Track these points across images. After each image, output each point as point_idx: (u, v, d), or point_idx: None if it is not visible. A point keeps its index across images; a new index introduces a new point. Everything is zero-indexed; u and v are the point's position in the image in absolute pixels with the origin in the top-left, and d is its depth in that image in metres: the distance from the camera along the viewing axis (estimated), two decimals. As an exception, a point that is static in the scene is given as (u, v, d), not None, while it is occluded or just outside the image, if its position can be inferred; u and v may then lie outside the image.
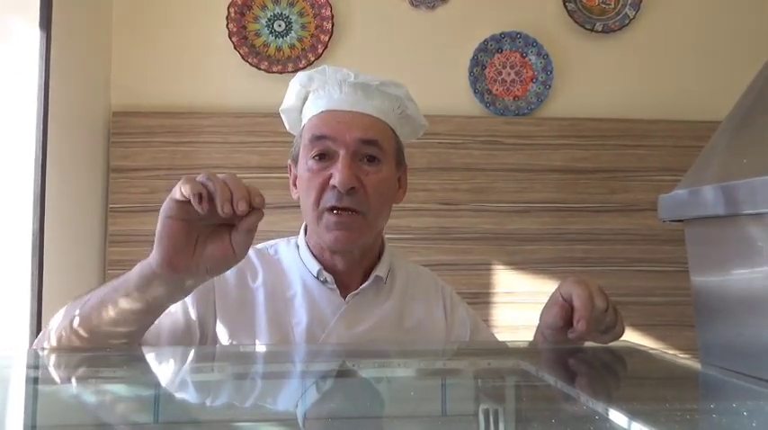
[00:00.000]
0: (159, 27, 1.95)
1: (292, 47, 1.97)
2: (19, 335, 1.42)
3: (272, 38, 1.97)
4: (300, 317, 0.88)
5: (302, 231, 0.96)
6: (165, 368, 0.74)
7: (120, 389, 0.63)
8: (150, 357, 0.77)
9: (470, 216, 1.93)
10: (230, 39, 1.92)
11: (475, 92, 1.97)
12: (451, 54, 1.99)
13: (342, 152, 0.85)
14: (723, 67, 2.04)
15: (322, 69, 0.90)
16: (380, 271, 0.93)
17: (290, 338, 0.87)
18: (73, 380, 0.68)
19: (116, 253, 1.83)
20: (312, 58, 1.93)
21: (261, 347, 0.86)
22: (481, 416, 0.57)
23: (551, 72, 1.98)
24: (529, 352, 0.78)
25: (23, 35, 1.48)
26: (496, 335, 1.87)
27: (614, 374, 0.65)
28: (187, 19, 1.95)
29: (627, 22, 2.01)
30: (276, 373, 0.71)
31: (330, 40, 1.94)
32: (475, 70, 1.98)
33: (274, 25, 1.97)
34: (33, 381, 0.68)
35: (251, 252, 0.95)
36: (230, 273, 0.90)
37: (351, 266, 0.91)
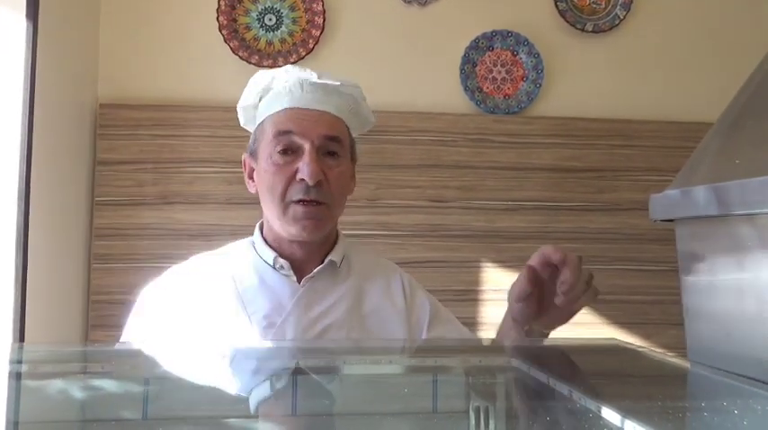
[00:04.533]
0: (148, 18, 1.92)
1: (283, 41, 1.95)
2: (2, 329, 1.39)
3: (262, 32, 1.95)
4: (258, 305, 0.92)
5: (257, 229, 1.00)
6: (150, 364, 0.73)
7: (102, 384, 0.62)
8: (135, 353, 0.77)
9: (459, 213, 1.93)
10: (220, 31, 1.90)
11: (465, 89, 1.97)
12: (442, 51, 1.99)
13: (307, 147, 0.90)
14: (712, 69, 2.06)
15: (285, 69, 0.95)
16: (334, 256, 0.97)
17: (248, 327, 0.90)
18: (58, 375, 0.67)
19: (102, 246, 1.81)
20: (303, 53, 1.92)
21: (249, 343, 0.86)
22: (472, 414, 0.57)
23: (542, 71, 1.98)
24: (520, 349, 0.78)
25: (10, 25, 1.45)
26: (483, 333, 1.90)
27: (604, 372, 0.65)
28: (177, 11, 1.93)
29: (617, 22, 2.02)
30: (263, 370, 0.70)
31: (321, 35, 1.93)
32: (466, 68, 1.98)
33: (265, 19, 1.95)
34: (16, 376, 0.67)
35: (199, 258, 1.00)
36: (179, 285, 0.96)
37: (307, 253, 0.95)
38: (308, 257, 0.96)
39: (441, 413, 0.61)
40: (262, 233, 0.99)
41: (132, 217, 1.82)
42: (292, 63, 1.91)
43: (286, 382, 0.65)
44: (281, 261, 0.94)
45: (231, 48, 1.90)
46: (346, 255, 1.00)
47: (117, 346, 0.88)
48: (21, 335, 1.41)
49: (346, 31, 1.97)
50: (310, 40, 1.93)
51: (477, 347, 0.88)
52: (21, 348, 1.03)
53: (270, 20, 1.96)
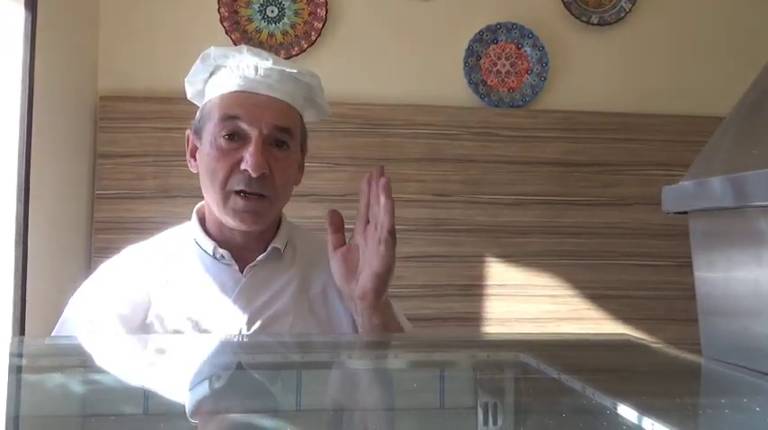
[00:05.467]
0: (149, 9, 1.90)
1: (285, 33, 1.93)
2: (2, 323, 1.38)
3: (264, 24, 1.93)
4: (200, 297, 0.89)
5: (194, 215, 0.96)
6: (150, 357, 0.72)
7: (102, 378, 0.61)
8: (130, 346, 0.75)
9: (463, 208, 1.92)
10: (222, 23, 1.88)
11: (469, 82, 1.95)
12: (446, 44, 1.97)
13: (254, 135, 0.85)
14: (718, 62, 2.04)
15: (239, 49, 0.90)
16: (277, 243, 0.93)
17: (192, 320, 0.87)
18: (57, 369, 0.66)
19: (102, 240, 1.80)
20: (305, 46, 1.90)
21: (236, 337, 0.85)
22: (480, 410, 0.56)
23: (547, 64, 1.96)
24: (528, 344, 0.77)
25: (8, 15, 1.43)
26: (488, 329, 1.89)
27: (617, 368, 0.64)
28: (178, 2, 1.91)
29: (623, 15, 2.00)
30: (262, 364, 0.69)
31: (324, 27, 1.90)
32: (470, 61, 1.96)
33: (267, 11, 1.93)
34: (16, 370, 0.66)
35: (136, 251, 0.96)
36: (114, 278, 0.92)
37: (249, 240, 0.92)
38: (249, 245, 0.92)
39: (448, 409, 0.59)
40: (201, 219, 0.94)
41: (133, 210, 1.81)
42: (294, 55, 1.90)
43: (290, 377, 0.64)
44: (222, 251, 0.90)
45: (233, 40, 1.88)
46: (290, 241, 0.97)
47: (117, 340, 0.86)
48: (21, 328, 1.40)
49: (349, 23, 1.95)
50: (312, 32, 1.91)
51: (485, 342, 0.86)
52: (21, 342, 1.02)
53: (272, 12, 1.93)
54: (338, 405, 0.53)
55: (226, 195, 0.86)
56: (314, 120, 0.99)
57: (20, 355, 0.72)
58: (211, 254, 0.91)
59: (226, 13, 1.89)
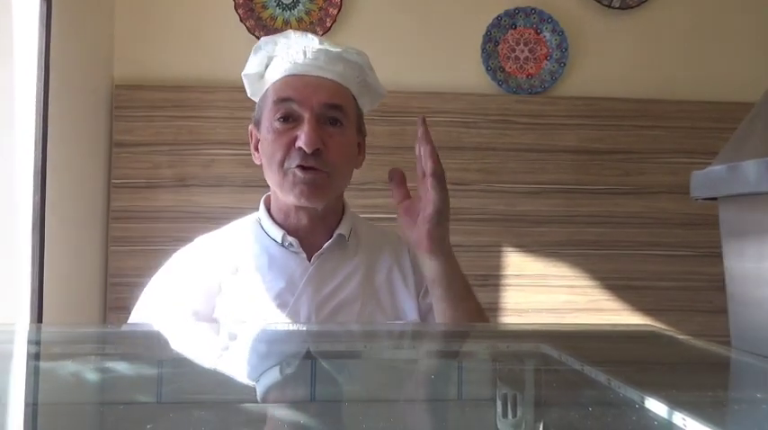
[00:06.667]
0: (163, -2, 1.90)
1: (300, 20, 1.91)
2: (20, 310, 1.39)
3: (279, 10, 1.91)
4: (269, 285, 0.90)
5: (262, 205, 0.98)
6: (165, 347, 0.72)
7: (118, 366, 0.61)
8: (151, 336, 0.75)
9: (480, 197, 1.89)
10: (236, 11, 1.87)
11: (487, 69, 1.92)
12: (463, 29, 1.94)
13: (307, 115, 0.87)
14: (743, 46, 1.98)
15: (286, 34, 0.92)
16: (342, 229, 0.95)
17: (261, 308, 0.89)
18: (74, 356, 0.66)
19: (118, 229, 1.80)
20: (320, 32, 1.88)
21: (265, 325, 0.84)
22: (499, 402, 0.54)
23: (566, 49, 1.92)
24: (548, 335, 0.75)
25: (23, 4, 1.43)
26: (505, 319, 1.86)
27: (642, 359, 0.61)
28: (192, -10, 1.90)
29: (645, -2, 1.94)
30: (284, 353, 0.68)
31: (339, 14, 1.88)
32: (487, 47, 1.93)
33: (282, -3, 1.91)
34: (34, 357, 0.65)
35: (207, 240, 0.98)
36: (187, 267, 0.95)
37: (314, 224, 0.93)
38: (315, 230, 0.93)
39: (466, 400, 0.58)
40: (267, 209, 0.97)
41: (149, 199, 1.81)
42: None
43: (304, 367, 0.63)
44: (290, 238, 0.92)
45: (247, 27, 1.87)
46: (354, 228, 0.98)
47: (133, 328, 0.86)
48: (39, 316, 1.41)
49: (364, 10, 1.93)
50: (327, 19, 1.89)
51: (505, 332, 0.84)
52: (38, 329, 1.03)
53: (287, -2, 1.91)
54: (349, 395, 0.51)
55: (284, 173, 0.88)
56: (371, 105, 1.00)
57: (37, 343, 0.73)
58: (280, 242, 0.93)
59: (240, 0, 1.87)
